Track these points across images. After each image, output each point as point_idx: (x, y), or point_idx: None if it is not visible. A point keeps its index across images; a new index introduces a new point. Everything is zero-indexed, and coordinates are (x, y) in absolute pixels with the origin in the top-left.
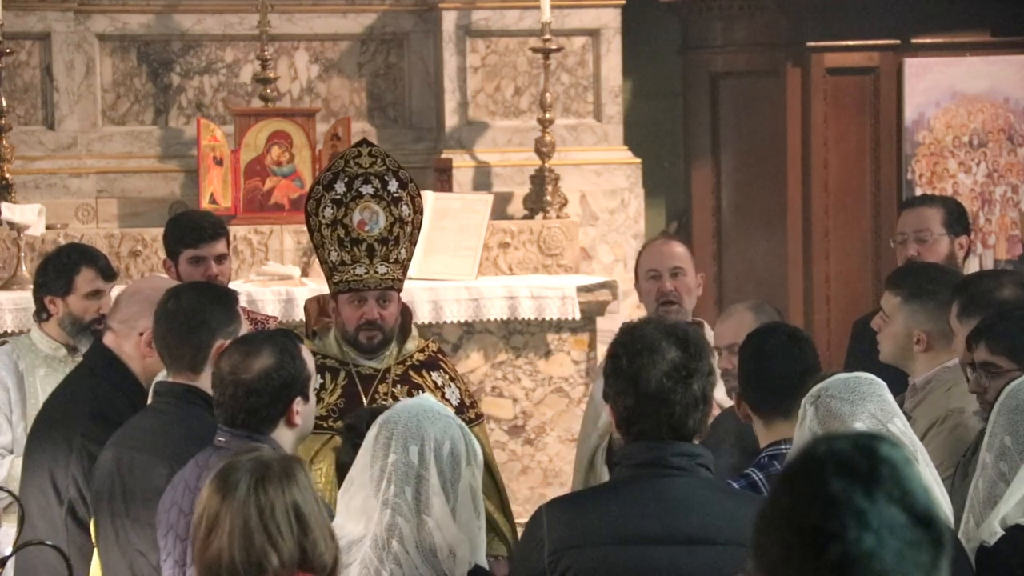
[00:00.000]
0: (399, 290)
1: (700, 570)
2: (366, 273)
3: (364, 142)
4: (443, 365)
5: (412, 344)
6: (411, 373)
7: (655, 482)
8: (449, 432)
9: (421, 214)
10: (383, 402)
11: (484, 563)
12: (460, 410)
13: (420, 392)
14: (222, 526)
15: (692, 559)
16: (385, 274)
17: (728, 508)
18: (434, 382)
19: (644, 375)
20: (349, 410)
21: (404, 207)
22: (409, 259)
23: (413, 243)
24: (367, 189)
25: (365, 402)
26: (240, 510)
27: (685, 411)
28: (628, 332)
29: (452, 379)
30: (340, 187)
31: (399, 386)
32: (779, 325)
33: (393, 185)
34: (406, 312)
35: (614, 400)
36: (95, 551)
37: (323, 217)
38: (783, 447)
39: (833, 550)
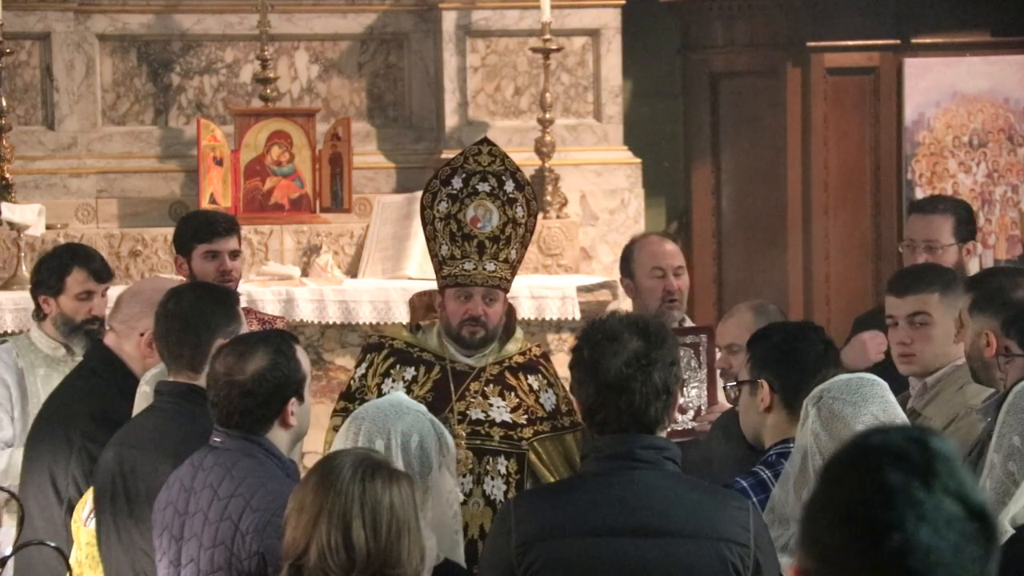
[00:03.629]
0: (506, 290)
1: (666, 563)
2: (474, 269)
3: (485, 140)
4: (543, 370)
5: (514, 346)
6: (506, 374)
7: (623, 475)
8: (417, 426)
9: (535, 218)
10: (472, 400)
11: (458, 558)
12: (554, 416)
13: (512, 394)
14: (317, 508)
15: (658, 551)
16: (493, 272)
17: (694, 501)
18: (529, 385)
19: (604, 364)
20: (437, 404)
21: (519, 209)
22: (519, 261)
23: (524, 246)
24: (483, 187)
25: (454, 398)
26: (343, 493)
27: (646, 400)
28: (592, 324)
29: (550, 384)
30: (457, 182)
31: (491, 385)
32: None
33: (510, 186)
34: (511, 313)
35: (577, 391)
36: (73, 545)
37: (437, 211)
38: (791, 445)
39: (893, 540)
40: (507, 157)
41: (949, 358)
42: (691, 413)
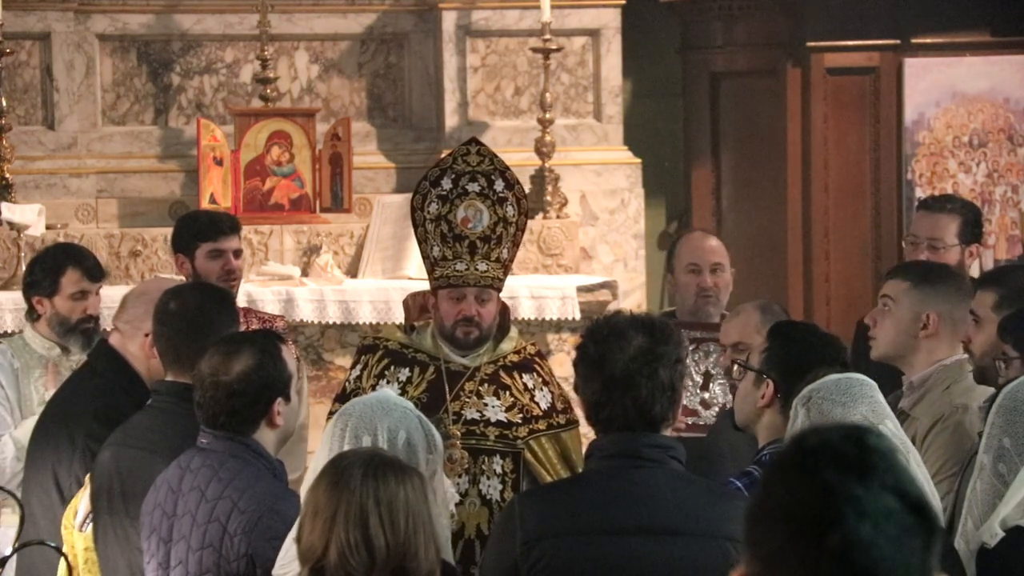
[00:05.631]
0: (498, 289)
1: (671, 561)
2: (466, 269)
3: (473, 140)
4: (538, 368)
5: (508, 345)
6: (501, 373)
7: (627, 473)
8: (405, 422)
9: (527, 216)
10: (466, 399)
11: (447, 556)
12: (549, 414)
13: (507, 393)
14: (333, 509)
15: (663, 550)
16: (485, 272)
17: (699, 500)
18: (524, 384)
19: (610, 360)
20: (431, 405)
21: (509, 207)
22: (511, 260)
23: (516, 244)
24: (473, 187)
25: (448, 398)
26: (357, 492)
27: (651, 396)
28: (597, 320)
29: (545, 383)
30: (447, 183)
31: (486, 385)
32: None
33: (499, 185)
34: (505, 312)
35: (582, 387)
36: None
37: (428, 212)
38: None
39: (833, 538)
40: (496, 156)
41: (934, 356)
42: (715, 409)
